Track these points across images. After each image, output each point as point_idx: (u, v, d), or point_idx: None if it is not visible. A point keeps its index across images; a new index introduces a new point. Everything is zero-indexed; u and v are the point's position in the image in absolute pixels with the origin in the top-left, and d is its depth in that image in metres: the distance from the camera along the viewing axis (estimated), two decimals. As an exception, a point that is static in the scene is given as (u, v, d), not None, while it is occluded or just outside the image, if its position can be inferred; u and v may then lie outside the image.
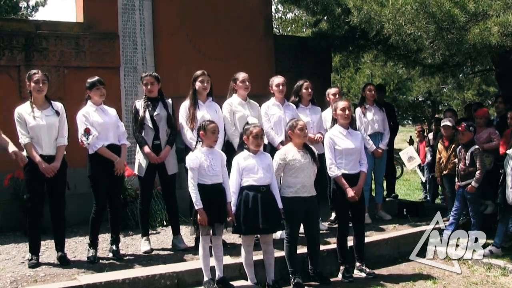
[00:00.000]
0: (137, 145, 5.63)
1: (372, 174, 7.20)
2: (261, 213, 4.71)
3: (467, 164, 6.24)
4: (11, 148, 4.76)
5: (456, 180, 6.46)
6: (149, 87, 5.58)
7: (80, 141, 5.20)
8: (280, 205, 4.90)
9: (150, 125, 5.53)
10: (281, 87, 6.02)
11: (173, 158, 5.71)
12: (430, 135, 9.14)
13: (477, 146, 6.28)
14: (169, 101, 5.74)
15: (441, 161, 6.93)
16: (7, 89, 6.67)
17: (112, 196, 5.41)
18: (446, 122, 6.85)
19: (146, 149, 5.50)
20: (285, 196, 4.99)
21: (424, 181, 10.67)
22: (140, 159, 5.62)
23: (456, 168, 6.49)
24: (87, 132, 5.14)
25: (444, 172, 6.88)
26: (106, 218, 5.45)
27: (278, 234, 5.68)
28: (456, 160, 6.59)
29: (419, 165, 10.35)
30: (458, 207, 6.42)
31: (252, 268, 4.94)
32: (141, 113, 5.53)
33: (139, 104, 5.61)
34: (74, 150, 5.40)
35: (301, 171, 5.01)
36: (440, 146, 7.01)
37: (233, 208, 4.78)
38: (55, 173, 5.00)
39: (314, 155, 5.12)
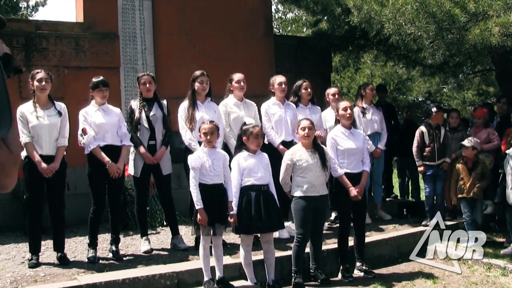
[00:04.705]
0: (132, 145, 5.59)
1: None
2: (264, 212, 4.72)
3: (441, 142, 6.60)
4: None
5: (418, 162, 6.75)
6: (147, 85, 5.55)
7: (78, 140, 5.22)
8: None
9: (146, 125, 5.52)
10: (283, 85, 6.01)
11: (168, 159, 5.69)
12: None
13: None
14: (164, 102, 5.73)
15: (462, 183, 6.32)
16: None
17: (111, 197, 5.39)
18: (465, 143, 6.32)
19: (142, 149, 5.48)
20: (294, 196, 5.02)
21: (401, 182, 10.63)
22: (135, 159, 5.59)
23: (454, 182, 6.49)
24: (83, 132, 5.15)
25: (465, 196, 6.27)
26: (106, 218, 5.45)
27: (276, 234, 5.67)
28: (480, 184, 6.22)
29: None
30: (430, 189, 6.69)
31: (252, 268, 4.93)
32: (137, 113, 5.52)
33: (135, 104, 5.60)
34: (74, 150, 5.41)
35: (308, 170, 5.02)
36: (460, 166, 6.38)
37: (235, 208, 4.78)
38: (54, 174, 4.98)
39: (323, 155, 5.12)
